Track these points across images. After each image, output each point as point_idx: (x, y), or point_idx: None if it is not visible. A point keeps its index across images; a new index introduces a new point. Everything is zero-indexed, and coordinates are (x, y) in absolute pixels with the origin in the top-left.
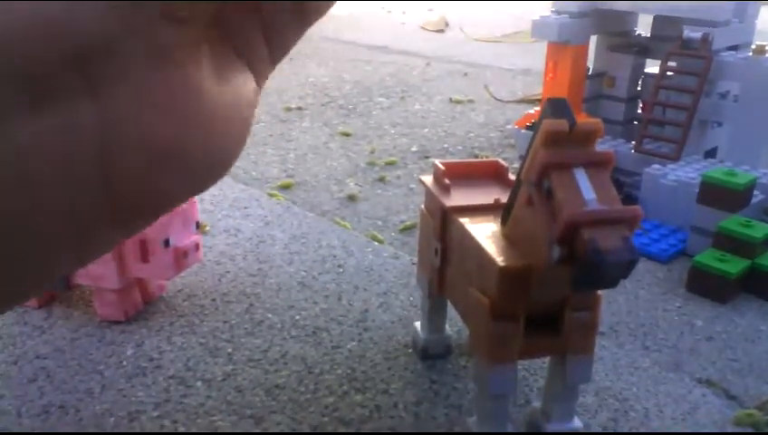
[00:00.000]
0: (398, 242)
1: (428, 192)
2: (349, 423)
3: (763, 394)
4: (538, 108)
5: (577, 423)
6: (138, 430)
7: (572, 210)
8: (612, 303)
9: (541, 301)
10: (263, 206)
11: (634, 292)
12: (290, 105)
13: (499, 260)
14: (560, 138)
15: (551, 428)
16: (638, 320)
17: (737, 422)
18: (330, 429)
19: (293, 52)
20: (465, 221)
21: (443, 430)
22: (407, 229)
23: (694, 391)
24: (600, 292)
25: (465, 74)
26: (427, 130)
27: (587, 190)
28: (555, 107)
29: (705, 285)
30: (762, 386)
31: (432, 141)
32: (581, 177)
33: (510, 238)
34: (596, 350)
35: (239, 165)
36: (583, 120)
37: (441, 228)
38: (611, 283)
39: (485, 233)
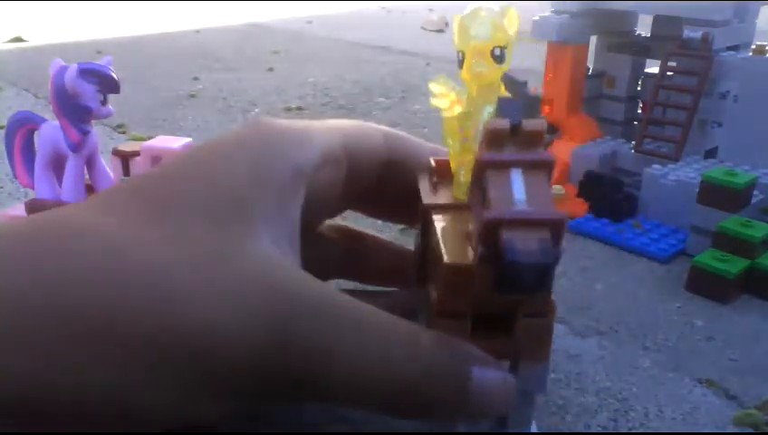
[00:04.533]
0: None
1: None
2: (349, 423)
3: (763, 394)
4: None
5: (534, 429)
6: None
7: (496, 209)
8: (612, 303)
9: (487, 301)
10: None
11: (634, 292)
12: (290, 105)
13: (446, 256)
14: (502, 137)
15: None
16: (638, 320)
17: (737, 422)
18: (330, 429)
19: (293, 52)
20: (437, 218)
21: (443, 431)
22: (407, 229)
23: (694, 391)
24: (553, 298)
25: None
26: (426, 130)
27: (518, 191)
28: (504, 106)
29: (705, 285)
30: (762, 386)
31: (432, 142)
32: (516, 178)
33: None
34: (596, 350)
35: None
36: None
37: (422, 225)
38: (530, 287)
39: (451, 230)
